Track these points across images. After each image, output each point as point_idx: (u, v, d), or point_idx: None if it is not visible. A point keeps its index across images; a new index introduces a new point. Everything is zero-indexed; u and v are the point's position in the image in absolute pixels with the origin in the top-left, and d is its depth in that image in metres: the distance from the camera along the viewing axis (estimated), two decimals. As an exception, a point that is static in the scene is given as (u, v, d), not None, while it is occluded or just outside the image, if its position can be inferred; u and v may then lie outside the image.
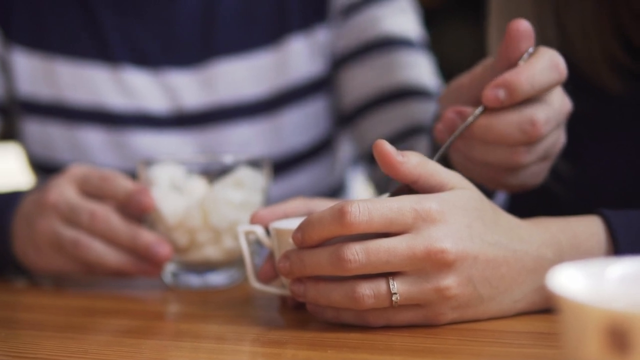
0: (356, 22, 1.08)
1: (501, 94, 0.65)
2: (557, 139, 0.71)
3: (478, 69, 0.72)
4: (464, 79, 0.73)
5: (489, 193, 0.82)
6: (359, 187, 1.27)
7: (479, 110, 0.67)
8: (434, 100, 1.06)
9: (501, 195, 0.88)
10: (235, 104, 1.09)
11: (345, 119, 1.12)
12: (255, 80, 1.08)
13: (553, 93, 0.68)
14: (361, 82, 1.08)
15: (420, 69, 1.07)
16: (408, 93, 1.06)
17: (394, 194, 0.64)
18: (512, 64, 0.67)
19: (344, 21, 1.08)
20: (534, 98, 0.67)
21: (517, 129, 0.66)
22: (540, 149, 0.69)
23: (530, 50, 0.67)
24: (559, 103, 0.69)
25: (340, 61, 1.10)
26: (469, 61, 0.76)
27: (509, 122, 0.66)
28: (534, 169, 0.72)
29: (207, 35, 1.08)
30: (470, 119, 0.67)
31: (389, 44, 1.07)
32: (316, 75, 1.10)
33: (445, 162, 0.79)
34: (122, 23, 1.09)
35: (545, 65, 0.66)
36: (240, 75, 1.08)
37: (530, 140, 0.67)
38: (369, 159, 1.11)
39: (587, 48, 0.85)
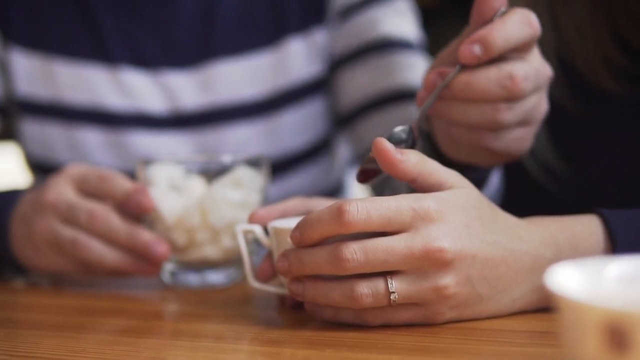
0: (354, 24, 1.08)
1: (476, 49, 0.66)
2: (539, 103, 0.71)
3: (457, 41, 0.73)
4: (444, 52, 0.73)
5: (480, 181, 0.82)
6: (357, 188, 1.27)
7: (457, 68, 0.68)
8: None
9: (494, 179, 0.87)
10: (233, 105, 1.09)
11: (343, 120, 1.12)
12: (253, 81, 1.08)
13: (531, 54, 0.69)
14: (359, 83, 1.08)
15: (419, 71, 1.07)
16: (406, 95, 1.06)
17: (368, 160, 0.66)
18: (485, 22, 0.68)
19: (341, 23, 1.08)
20: (512, 56, 0.68)
21: (497, 84, 0.67)
22: (522, 108, 0.69)
23: (503, 9, 0.68)
24: (539, 64, 0.69)
25: (338, 62, 1.10)
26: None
27: (488, 77, 0.67)
28: (517, 133, 0.72)
29: (206, 36, 1.08)
30: (449, 76, 0.68)
31: (387, 46, 1.07)
32: (314, 77, 1.10)
33: (430, 141, 0.80)
34: (121, 24, 1.09)
35: (517, 20, 0.66)
36: (239, 76, 1.08)
37: (510, 95, 0.67)
38: None
39: (584, 50, 0.85)
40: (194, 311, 0.75)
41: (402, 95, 1.06)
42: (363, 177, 0.69)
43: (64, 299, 0.82)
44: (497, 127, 0.69)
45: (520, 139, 0.72)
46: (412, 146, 0.69)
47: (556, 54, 0.87)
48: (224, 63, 1.08)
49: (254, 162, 0.86)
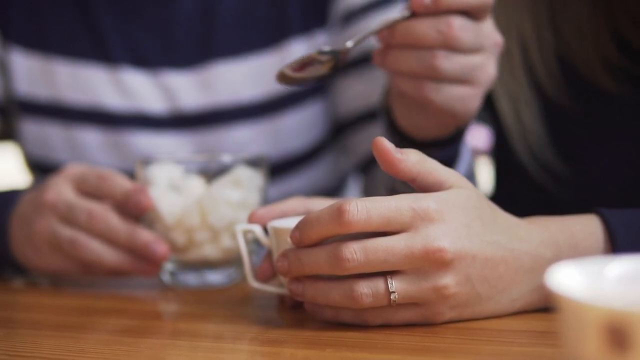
0: (355, 31, 1.07)
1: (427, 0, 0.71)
2: (484, 65, 0.74)
3: None
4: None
5: (449, 160, 0.83)
6: (357, 190, 1.27)
7: (405, 14, 0.72)
8: None
9: (464, 161, 0.88)
10: (233, 106, 1.08)
11: (339, 128, 1.12)
12: (253, 82, 1.08)
13: (484, 23, 0.73)
14: (357, 92, 1.07)
15: None
16: None
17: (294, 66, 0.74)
18: None
19: (343, 28, 1.08)
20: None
21: (433, 28, 0.71)
22: (461, 61, 0.72)
23: None
24: (487, 28, 0.73)
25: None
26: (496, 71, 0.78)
27: (426, 23, 0.71)
28: (459, 91, 0.74)
29: (206, 37, 1.08)
30: (393, 19, 0.72)
31: None
32: None
33: (389, 118, 0.84)
34: (121, 24, 1.09)
35: None
36: (239, 77, 1.08)
37: (445, 40, 0.71)
38: (361, 169, 1.11)
39: (584, 50, 0.85)
40: (193, 311, 0.75)
41: None
42: (281, 80, 0.76)
43: (64, 299, 0.82)
44: (436, 75, 0.72)
45: (462, 98, 0.74)
46: (335, 65, 0.75)
47: (556, 54, 0.87)
48: (224, 64, 1.08)
49: (253, 162, 0.86)
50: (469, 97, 0.75)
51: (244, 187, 0.84)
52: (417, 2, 0.71)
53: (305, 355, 0.57)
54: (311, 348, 0.59)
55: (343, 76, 1.08)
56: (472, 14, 0.72)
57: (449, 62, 0.72)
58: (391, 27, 0.73)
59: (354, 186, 1.22)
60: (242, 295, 0.81)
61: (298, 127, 1.10)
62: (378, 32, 0.74)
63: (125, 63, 1.08)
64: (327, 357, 0.56)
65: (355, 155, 1.11)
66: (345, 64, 1.07)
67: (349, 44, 0.75)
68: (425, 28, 0.71)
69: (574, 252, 0.64)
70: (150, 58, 1.08)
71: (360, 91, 1.07)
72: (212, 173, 0.84)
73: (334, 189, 1.17)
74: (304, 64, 0.75)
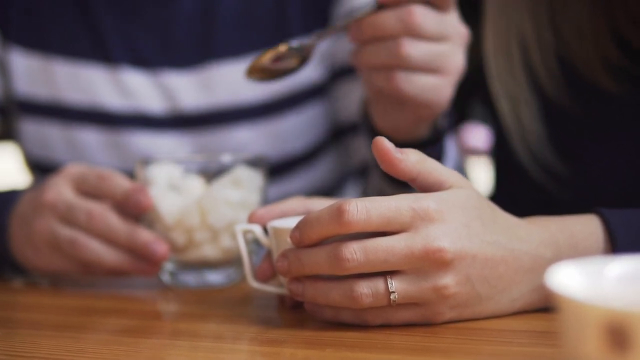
0: None
1: None
2: (451, 54, 0.76)
3: None
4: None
5: (439, 156, 0.84)
6: (356, 190, 1.27)
7: (370, 6, 0.75)
8: None
9: (449, 160, 0.88)
10: (233, 107, 1.08)
11: (339, 131, 1.12)
12: (254, 83, 1.08)
13: (449, 14, 0.76)
14: (357, 97, 1.07)
15: None
16: None
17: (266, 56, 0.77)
18: None
19: (344, 31, 1.07)
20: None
21: (395, 17, 0.74)
22: (427, 49, 0.75)
23: None
24: (452, 20, 0.76)
25: (338, 73, 1.09)
26: (465, 63, 0.79)
27: (389, 14, 0.74)
28: (429, 80, 0.76)
29: (206, 37, 1.08)
30: (361, 11, 0.75)
31: None
32: (316, 82, 1.09)
33: (367, 123, 0.86)
34: (120, 24, 1.08)
35: None
36: (239, 78, 1.07)
37: (408, 28, 0.73)
38: (360, 173, 1.11)
39: (584, 50, 0.85)
40: (193, 311, 0.74)
41: None
42: (252, 73, 0.78)
43: (63, 299, 0.82)
44: (404, 64, 0.75)
45: (434, 87, 0.76)
46: (302, 61, 0.79)
47: (556, 54, 0.87)
48: (225, 64, 1.08)
49: (253, 162, 0.86)
50: (440, 87, 0.77)
51: (243, 187, 0.84)
52: None
53: (305, 355, 0.57)
54: (311, 348, 0.59)
55: (343, 80, 1.08)
56: (435, 4, 0.74)
57: (414, 49, 0.74)
58: (358, 21, 0.75)
59: (353, 186, 1.22)
60: (242, 295, 0.81)
61: (298, 129, 1.09)
62: (345, 28, 0.76)
63: (125, 63, 1.08)
64: (327, 357, 0.56)
65: (355, 159, 1.11)
66: (341, 68, 1.08)
67: (314, 39, 0.77)
68: (388, 18, 0.74)
69: (574, 252, 0.63)
70: (150, 58, 1.08)
71: (360, 96, 1.07)
72: (212, 173, 0.84)
73: (333, 190, 1.17)
74: (277, 58, 0.77)
